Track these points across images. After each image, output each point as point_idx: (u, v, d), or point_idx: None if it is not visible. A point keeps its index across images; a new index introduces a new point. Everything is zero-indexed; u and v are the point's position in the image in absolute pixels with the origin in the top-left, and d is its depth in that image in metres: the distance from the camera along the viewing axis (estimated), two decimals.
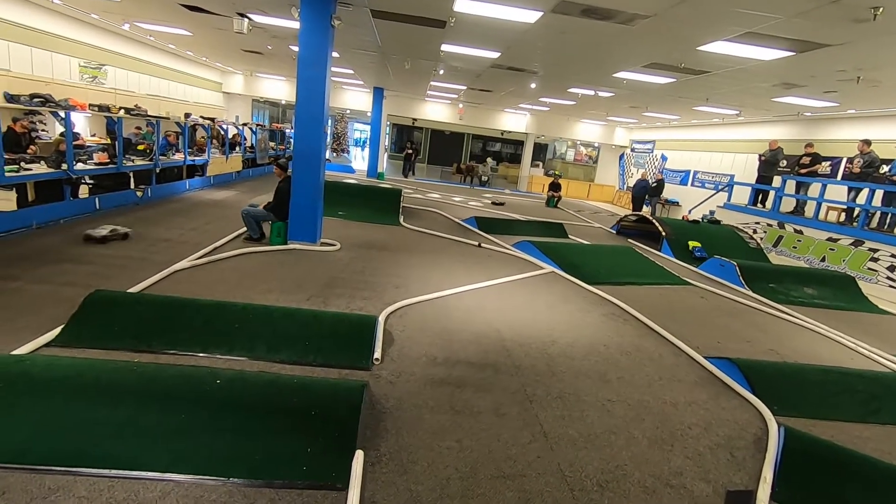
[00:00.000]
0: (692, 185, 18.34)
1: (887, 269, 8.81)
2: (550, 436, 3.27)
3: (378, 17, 8.08)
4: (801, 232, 10.66)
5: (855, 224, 9.83)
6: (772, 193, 12.13)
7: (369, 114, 20.39)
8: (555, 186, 17.40)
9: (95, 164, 8.31)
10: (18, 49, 10.06)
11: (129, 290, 4.65)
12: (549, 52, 9.17)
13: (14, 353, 3.36)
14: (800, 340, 5.86)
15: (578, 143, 28.30)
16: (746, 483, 3.04)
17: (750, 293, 7.60)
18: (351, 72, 15.81)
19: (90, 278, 4.96)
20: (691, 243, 10.03)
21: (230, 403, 2.95)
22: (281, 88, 21.31)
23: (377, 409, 3.30)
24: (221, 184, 12.97)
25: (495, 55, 10.00)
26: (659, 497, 2.82)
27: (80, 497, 2.30)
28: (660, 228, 10.65)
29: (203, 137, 12.92)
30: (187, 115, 13.17)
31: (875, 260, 9.02)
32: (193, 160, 11.77)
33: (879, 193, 9.66)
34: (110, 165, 8.54)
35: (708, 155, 17.66)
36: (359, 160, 27.75)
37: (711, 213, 13.69)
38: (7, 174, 6.40)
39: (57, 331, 3.72)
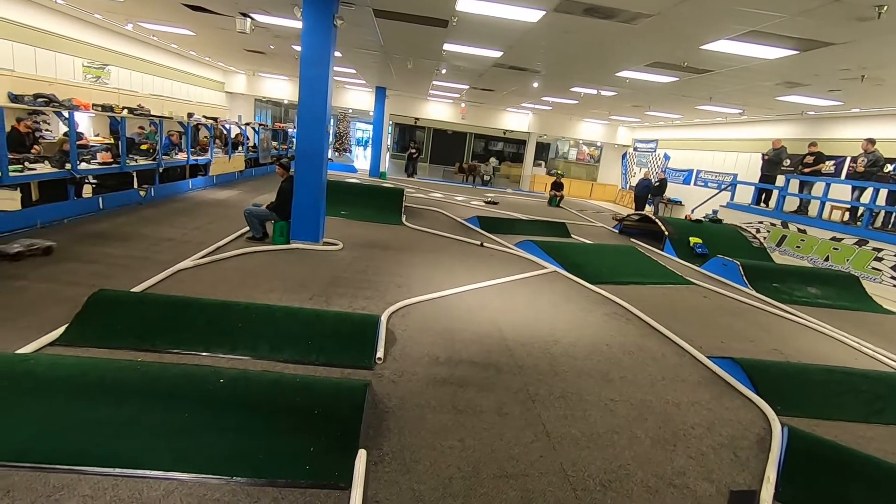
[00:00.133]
0: (695, 184, 18.30)
1: (891, 268, 8.77)
2: (553, 435, 3.27)
3: (380, 16, 8.09)
4: (804, 231, 10.62)
5: (859, 223, 9.79)
6: (775, 193, 12.10)
7: (371, 113, 20.41)
8: (557, 186, 17.37)
9: (99, 163, 8.34)
10: (22, 49, 10.10)
11: (133, 290, 4.66)
12: (552, 51, 9.16)
13: (18, 351, 3.37)
14: (803, 340, 5.84)
15: (581, 142, 28.25)
16: (750, 483, 3.03)
17: (753, 293, 7.58)
18: (353, 71, 15.82)
19: (94, 278, 4.98)
20: (692, 239, 10.01)
21: (233, 403, 2.96)
22: (283, 88, 21.35)
23: (380, 409, 3.31)
24: (224, 183, 12.99)
25: (498, 54, 10.00)
26: (662, 497, 2.82)
27: (84, 496, 2.31)
28: (662, 228, 10.62)
29: (206, 137, 12.95)
30: (190, 115, 13.20)
31: (879, 259, 8.99)
32: (196, 160, 11.80)
33: (884, 192, 9.63)
34: (114, 165, 8.56)
35: (711, 154, 17.61)
36: (361, 159, 27.78)
37: (714, 212, 13.65)
38: (11, 174, 6.42)
39: (61, 330, 3.74)
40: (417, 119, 24.28)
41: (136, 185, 9.42)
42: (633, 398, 3.90)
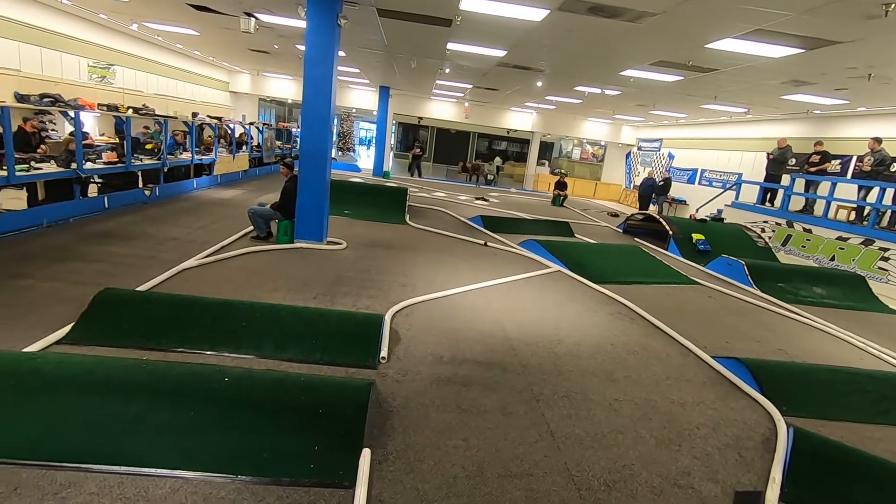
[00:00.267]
0: (699, 183, 18.23)
1: None
2: (557, 435, 3.26)
3: (384, 15, 8.09)
4: (810, 231, 10.57)
5: (865, 223, 9.73)
6: (780, 192, 12.04)
7: (375, 112, 20.42)
8: (561, 185, 17.34)
9: (104, 163, 8.38)
10: (28, 49, 10.16)
11: (138, 289, 4.68)
12: (556, 50, 9.14)
13: (26, 350, 3.40)
14: (809, 340, 5.81)
15: (584, 141, 28.19)
16: (755, 484, 3.02)
17: (758, 292, 7.54)
18: (357, 71, 15.84)
19: (100, 277, 5.01)
20: (694, 236, 9.98)
21: (238, 401, 2.97)
22: (287, 87, 21.39)
23: (384, 408, 3.31)
24: (228, 183, 13.03)
25: (501, 53, 9.99)
26: (667, 497, 2.81)
27: (90, 493, 2.33)
28: (667, 227, 10.59)
29: (210, 136, 12.99)
30: (195, 115, 13.27)
31: (886, 259, 8.93)
32: (201, 159, 11.83)
33: (890, 192, 9.56)
34: (119, 164, 8.60)
35: (716, 153, 17.54)
36: (364, 159, 27.81)
37: (719, 211, 13.60)
38: (17, 173, 6.46)
39: (67, 328, 3.76)
40: (421, 118, 24.30)
41: (140, 185, 9.46)
42: (638, 398, 3.89)
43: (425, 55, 11.44)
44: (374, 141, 23.25)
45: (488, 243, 8.79)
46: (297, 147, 17.88)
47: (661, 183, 16.90)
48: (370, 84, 19.60)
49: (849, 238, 9.70)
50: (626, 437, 3.34)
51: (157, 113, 11.92)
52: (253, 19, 8.75)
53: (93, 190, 8.57)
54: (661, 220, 11.21)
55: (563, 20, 6.91)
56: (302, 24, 7.55)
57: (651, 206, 16.97)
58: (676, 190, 18.36)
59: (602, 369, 4.32)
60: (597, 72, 10.82)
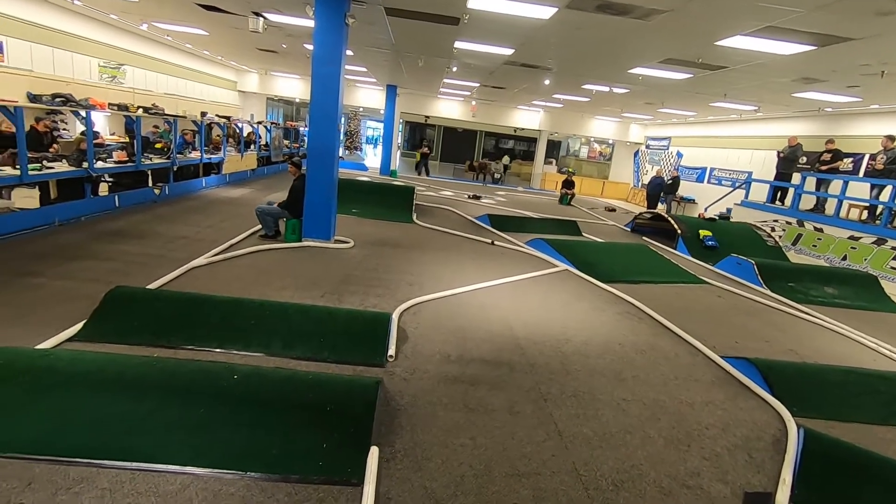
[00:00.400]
0: (708, 182, 18.08)
1: None
2: (565, 434, 3.26)
3: (392, 14, 8.09)
4: (821, 230, 10.45)
5: (878, 222, 9.60)
6: (791, 191, 11.91)
7: (382, 111, 20.44)
8: (568, 184, 17.28)
9: (115, 162, 8.46)
10: (41, 49, 10.27)
11: (149, 287, 4.73)
12: (564, 48, 9.10)
13: (39, 347, 3.44)
14: (820, 340, 5.75)
15: (592, 139, 28.05)
16: (765, 485, 3.00)
17: (768, 292, 7.48)
18: (364, 70, 15.86)
19: (111, 275, 5.06)
20: (702, 232, 9.89)
21: (248, 399, 2.99)
22: (295, 87, 21.46)
23: (392, 406, 3.32)
24: (237, 182, 13.11)
25: (509, 52, 9.96)
26: (676, 498, 2.80)
27: (102, 489, 2.36)
28: (675, 226, 10.52)
29: (219, 136, 13.08)
30: (203, 114, 13.37)
31: None
32: (209, 158, 11.92)
33: None
34: (129, 164, 8.69)
35: (725, 152, 17.39)
36: (371, 158, 27.85)
37: (728, 210, 13.48)
38: (30, 172, 6.54)
39: (79, 326, 3.80)
40: (428, 117, 24.29)
41: (150, 184, 9.55)
42: (646, 398, 3.87)
43: (433, 54, 11.44)
44: (381, 140, 23.26)
45: (495, 242, 8.78)
46: (305, 146, 17.96)
47: (670, 181, 16.78)
48: (377, 83, 19.62)
49: (861, 237, 9.57)
50: (634, 436, 3.33)
51: (166, 112, 12.02)
52: (261, 19, 8.79)
53: (103, 189, 8.66)
54: (669, 218, 11.14)
55: (572, 18, 6.88)
56: (310, 23, 7.57)
57: (659, 204, 16.86)
58: (685, 189, 18.23)
59: (610, 369, 4.30)
60: (605, 70, 10.76)
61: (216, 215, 8.64)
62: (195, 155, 11.21)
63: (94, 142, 8.01)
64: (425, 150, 22.61)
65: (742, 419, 3.72)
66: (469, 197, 15.15)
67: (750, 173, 15.20)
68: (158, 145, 10.13)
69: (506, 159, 25.42)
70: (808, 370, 4.59)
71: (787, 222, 11.35)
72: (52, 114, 9.26)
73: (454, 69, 13.14)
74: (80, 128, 8.47)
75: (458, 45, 9.85)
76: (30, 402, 2.77)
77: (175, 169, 10.10)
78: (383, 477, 2.64)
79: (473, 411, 3.40)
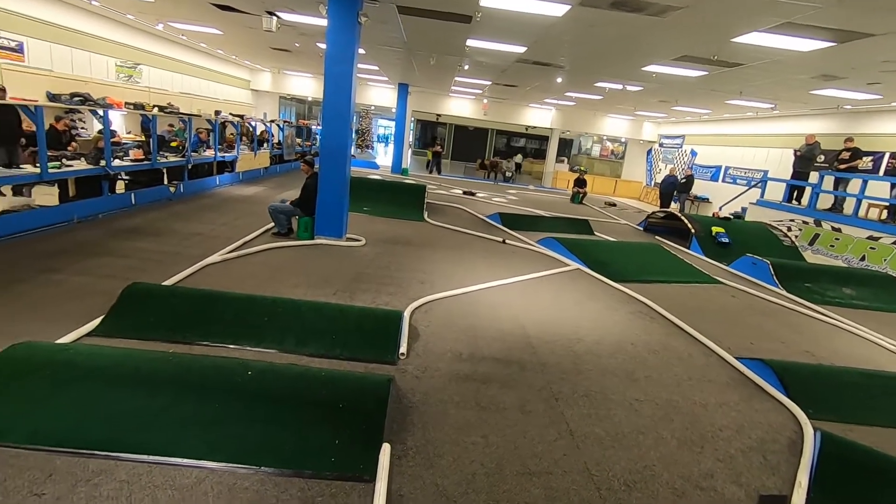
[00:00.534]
0: (723, 181, 17.86)
1: None
2: (577, 434, 3.25)
3: (404, 13, 8.11)
4: (839, 230, 10.26)
5: None
6: (808, 190, 11.71)
7: (394, 110, 20.49)
8: (580, 182, 17.18)
9: (131, 160, 8.60)
10: (60, 50, 10.46)
11: (164, 283, 4.80)
12: (577, 45, 9.04)
13: (58, 341, 3.51)
14: (837, 342, 5.65)
15: (605, 138, 27.83)
16: (780, 488, 2.96)
17: (784, 293, 7.36)
18: (376, 68, 15.90)
19: (128, 271, 5.15)
20: (714, 229, 9.77)
21: (261, 395, 3.02)
22: (308, 85, 21.59)
23: (403, 404, 3.34)
24: (250, 180, 13.24)
25: (521, 50, 9.92)
26: (689, 499, 2.78)
27: (121, 481, 2.40)
28: (689, 225, 10.40)
29: (232, 134, 13.21)
30: (217, 113, 13.50)
31: None
32: (223, 156, 12.05)
33: None
34: (145, 162, 8.82)
35: (740, 150, 17.16)
36: (383, 156, 27.93)
37: (743, 209, 13.30)
38: (50, 170, 6.67)
39: (97, 321, 3.87)
40: (439, 115, 24.28)
41: (166, 182, 9.68)
42: (659, 398, 3.84)
43: (445, 52, 11.43)
44: (392, 138, 23.31)
45: (507, 241, 8.76)
46: (317, 144, 18.06)
47: (684, 180, 16.59)
48: (389, 81, 19.66)
49: (880, 237, 9.39)
50: (647, 437, 3.31)
51: (181, 111, 12.18)
52: (275, 18, 8.85)
53: (120, 186, 8.81)
54: (682, 217, 11.01)
55: (585, 15, 6.83)
56: (323, 22, 7.61)
57: (673, 203, 16.68)
58: (699, 187, 18.03)
59: (622, 369, 4.27)
60: (618, 67, 10.67)
61: (230, 213, 8.73)
62: (209, 153, 11.34)
63: (112, 140, 8.14)
64: (437, 148, 22.64)
65: (757, 421, 3.68)
66: (463, 193, 15.17)
67: (766, 172, 14.98)
68: (174, 144, 10.26)
69: (518, 157, 25.33)
70: (825, 372, 4.52)
71: (804, 222, 11.17)
72: (71, 113, 9.43)
73: (466, 67, 13.11)
74: (98, 126, 8.61)
75: (470, 43, 9.84)
76: (50, 396, 2.84)
77: (190, 167, 10.23)
78: (395, 474, 2.66)
79: (485, 410, 3.40)
